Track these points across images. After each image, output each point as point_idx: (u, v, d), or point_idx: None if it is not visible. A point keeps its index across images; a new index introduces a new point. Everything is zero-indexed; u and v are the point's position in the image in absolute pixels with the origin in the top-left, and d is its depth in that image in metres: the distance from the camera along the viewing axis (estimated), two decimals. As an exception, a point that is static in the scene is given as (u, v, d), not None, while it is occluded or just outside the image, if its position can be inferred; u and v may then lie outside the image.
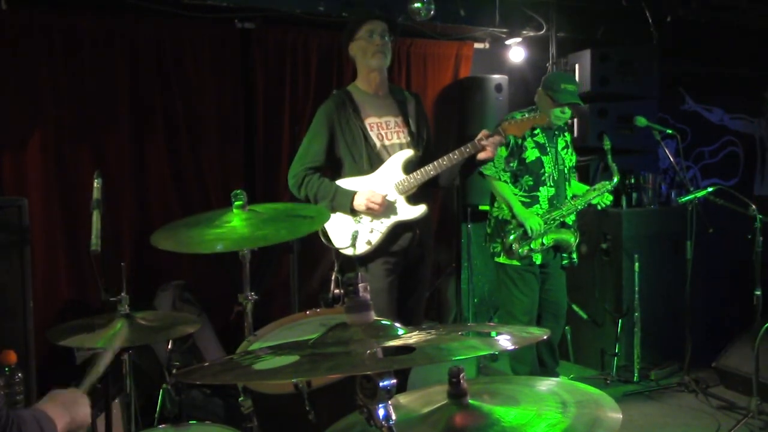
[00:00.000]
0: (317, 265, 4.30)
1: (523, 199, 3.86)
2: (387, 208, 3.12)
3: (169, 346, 3.05)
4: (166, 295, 4.02)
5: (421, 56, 5.01)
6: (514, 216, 3.81)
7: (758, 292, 3.71)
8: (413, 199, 3.17)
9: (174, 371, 2.93)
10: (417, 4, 4.28)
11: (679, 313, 4.43)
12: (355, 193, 3.10)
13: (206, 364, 1.40)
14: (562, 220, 3.87)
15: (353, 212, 3.11)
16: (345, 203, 3.09)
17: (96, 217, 2.43)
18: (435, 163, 3.11)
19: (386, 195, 3.11)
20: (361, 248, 3.11)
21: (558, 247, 3.93)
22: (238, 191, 2.40)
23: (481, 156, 3.12)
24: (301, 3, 4.22)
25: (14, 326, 2.80)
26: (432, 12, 4.32)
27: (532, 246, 3.80)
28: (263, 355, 1.27)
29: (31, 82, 3.83)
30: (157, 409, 3.09)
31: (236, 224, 2.34)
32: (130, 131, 4.12)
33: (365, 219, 3.13)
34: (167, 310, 3.86)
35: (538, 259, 3.87)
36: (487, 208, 5.02)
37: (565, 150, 4.00)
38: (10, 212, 2.84)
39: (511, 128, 3.21)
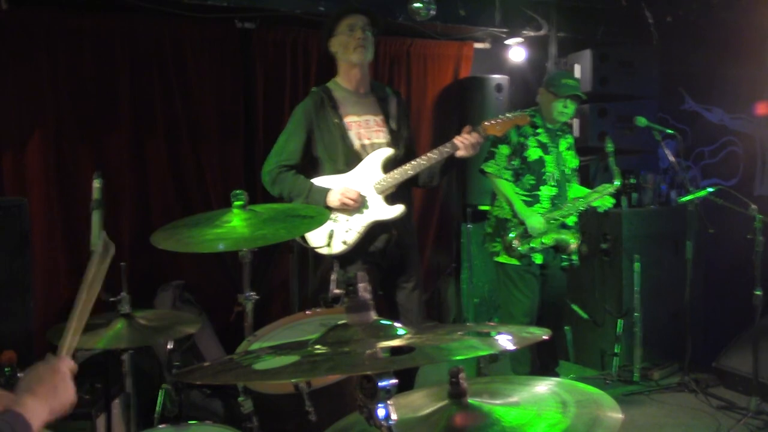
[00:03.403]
0: (317, 265, 4.30)
1: (524, 197, 3.84)
2: (364, 206, 3.08)
3: (169, 346, 3.04)
4: (166, 295, 4.03)
5: (421, 56, 5.01)
6: (515, 214, 3.82)
7: (758, 292, 3.71)
8: (391, 198, 3.12)
9: (174, 371, 2.93)
10: (417, 4, 4.27)
11: (679, 313, 4.43)
12: (329, 190, 3.06)
13: (206, 364, 1.40)
14: (563, 220, 3.87)
15: (328, 210, 3.03)
16: (319, 200, 3.05)
17: (96, 217, 2.43)
18: (413, 162, 3.08)
19: (361, 191, 3.07)
20: (337, 247, 3.07)
21: (558, 248, 3.92)
22: (238, 191, 2.40)
23: (458, 154, 3.08)
24: (301, 3, 4.22)
25: (14, 326, 2.81)
26: (432, 12, 4.32)
27: (532, 245, 3.79)
28: (263, 355, 1.27)
29: (31, 82, 3.83)
30: (157, 409, 3.08)
31: (236, 224, 2.34)
32: (130, 131, 4.13)
33: (342, 218, 3.09)
34: (167, 310, 3.86)
35: (538, 258, 3.87)
36: (487, 207, 5.04)
37: (568, 151, 4.00)
38: (10, 212, 2.85)
39: (491, 128, 3.17)
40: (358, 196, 3.04)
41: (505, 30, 4.98)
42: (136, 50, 4.11)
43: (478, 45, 5.22)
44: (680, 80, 5.36)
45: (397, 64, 4.89)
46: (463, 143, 3.05)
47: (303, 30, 4.52)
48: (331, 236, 3.01)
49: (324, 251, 3.08)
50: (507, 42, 5.17)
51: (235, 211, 2.38)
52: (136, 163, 4.17)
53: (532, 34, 5.04)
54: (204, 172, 4.33)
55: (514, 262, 3.85)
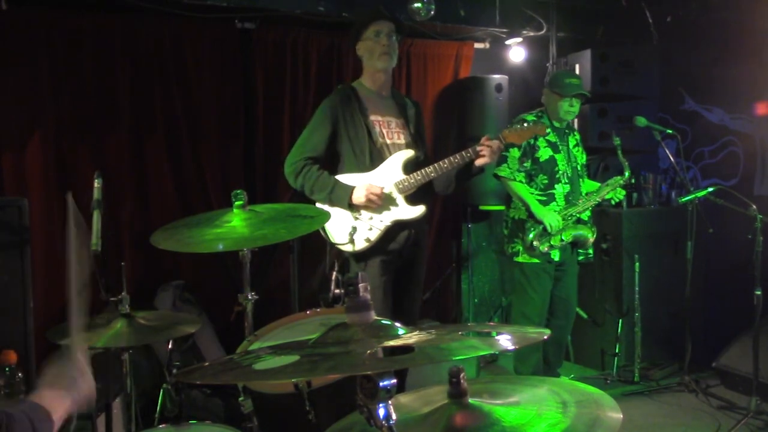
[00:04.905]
0: (317, 265, 4.30)
1: (539, 197, 3.90)
2: (386, 205, 3.14)
3: (169, 346, 3.04)
4: (166, 295, 4.03)
5: (421, 56, 5.01)
6: (531, 215, 3.84)
7: (758, 292, 3.71)
8: (412, 199, 3.18)
9: (174, 371, 2.93)
10: (417, 4, 4.28)
11: (679, 313, 4.43)
12: (353, 187, 3.11)
13: (206, 364, 1.40)
14: (578, 216, 3.91)
15: (351, 207, 3.13)
16: (343, 197, 3.10)
17: (96, 217, 2.43)
18: (436, 165, 3.14)
19: (384, 188, 3.13)
20: (360, 245, 3.13)
21: (575, 243, 3.97)
22: (238, 191, 2.41)
23: (478, 162, 3.13)
24: (301, 3, 4.22)
25: (14, 326, 2.80)
26: (432, 12, 4.32)
27: (552, 242, 3.83)
28: (263, 355, 1.27)
29: (31, 82, 3.83)
30: (157, 409, 3.09)
31: (236, 224, 2.34)
32: (130, 131, 4.12)
33: (364, 216, 3.14)
34: (167, 310, 3.86)
35: (556, 255, 3.91)
36: (487, 208, 5.06)
37: (577, 148, 4.07)
38: (10, 212, 2.84)
39: (512, 136, 3.26)
40: (382, 192, 3.11)
41: (505, 30, 4.98)
42: (136, 50, 4.11)
43: (477, 45, 5.21)
44: (680, 80, 5.36)
45: (397, 64, 4.87)
46: (484, 150, 3.10)
47: (303, 30, 4.52)
48: (353, 233, 3.06)
49: (347, 248, 3.14)
50: (507, 42, 5.17)
51: (235, 211, 2.38)
52: (136, 163, 4.16)
53: (532, 34, 5.04)
54: (204, 172, 4.33)
55: (534, 260, 3.90)
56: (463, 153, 3.12)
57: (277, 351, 1.28)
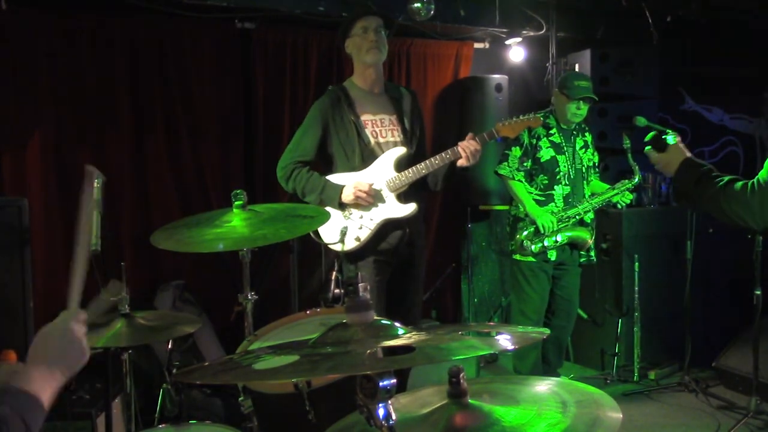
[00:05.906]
0: (317, 265, 4.31)
1: (537, 197, 3.90)
2: (376, 203, 3.12)
3: (169, 346, 3.05)
4: (166, 295, 4.03)
5: (421, 56, 5.01)
6: (527, 214, 3.84)
7: (758, 292, 3.71)
8: (404, 197, 3.16)
9: (174, 371, 2.93)
10: (417, 4, 4.27)
11: (679, 313, 4.43)
12: (343, 186, 3.10)
13: (206, 364, 1.40)
14: (578, 218, 3.90)
15: (342, 206, 3.12)
16: (333, 196, 3.09)
17: (96, 217, 2.43)
18: (427, 162, 3.12)
19: (373, 184, 3.11)
20: (350, 244, 3.11)
21: (575, 245, 3.96)
22: (238, 191, 2.41)
23: (459, 162, 3.12)
24: (301, 3, 4.22)
25: (14, 326, 2.80)
26: (432, 12, 4.32)
27: (546, 243, 3.83)
28: (263, 355, 1.27)
29: (31, 82, 3.83)
30: (157, 409, 3.09)
31: (236, 224, 2.34)
32: (130, 131, 4.12)
33: (355, 215, 3.13)
34: (167, 310, 3.86)
35: (552, 255, 3.90)
36: (488, 207, 5.05)
37: (584, 149, 4.05)
38: (10, 212, 2.85)
39: (505, 129, 3.24)
40: (370, 188, 3.08)
41: (504, 30, 4.97)
42: (136, 50, 4.11)
43: (477, 45, 5.21)
44: (680, 80, 5.36)
45: (396, 64, 4.88)
46: (461, 151, 3.09)
47: (303, 30, 4.52)
48: (344, 233, 3.05)
49: (337, 248, 3.11)
50: (507, 42, 5.17)
51: (235, 211, 2.38)
52: (136, 163, 4.16)
53: (531, 34, 5.04)
54: (204, 172, 4.33)
55: (530, 258, 3.90)
56: (454, 149, 3.12)
57: (276, 351, 1.28)
